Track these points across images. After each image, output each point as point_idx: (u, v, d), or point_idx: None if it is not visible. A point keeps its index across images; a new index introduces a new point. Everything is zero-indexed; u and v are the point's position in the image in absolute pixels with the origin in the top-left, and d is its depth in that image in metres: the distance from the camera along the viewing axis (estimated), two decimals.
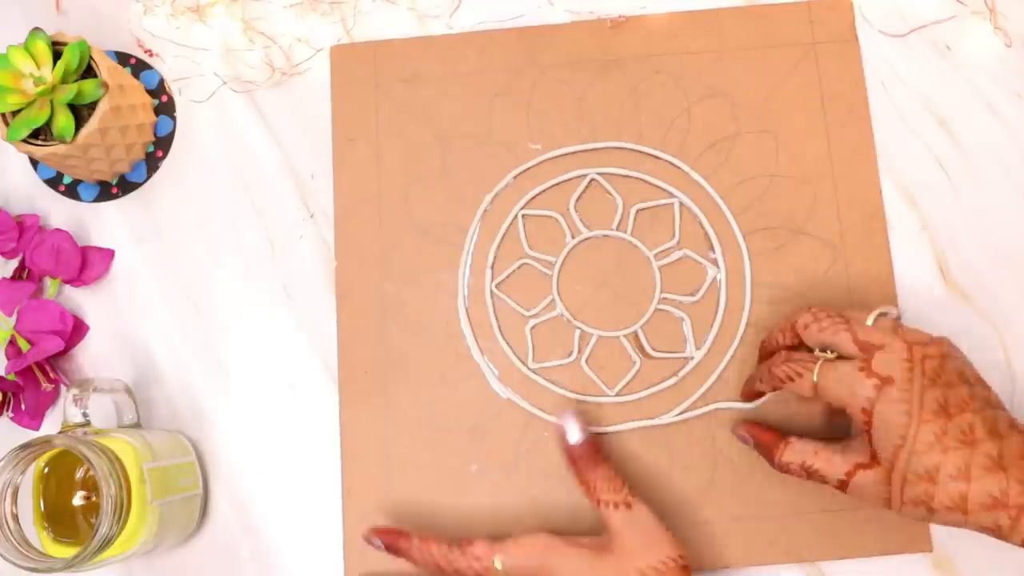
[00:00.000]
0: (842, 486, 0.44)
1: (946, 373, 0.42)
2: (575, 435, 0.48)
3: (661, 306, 0.53)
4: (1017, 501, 0.39)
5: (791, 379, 0.45)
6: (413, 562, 0.47)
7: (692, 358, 0.52)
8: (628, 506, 0.46)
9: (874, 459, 0.43)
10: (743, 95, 0.55)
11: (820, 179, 0.54)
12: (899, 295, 0.53)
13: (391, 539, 0.48)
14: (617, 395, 0.52)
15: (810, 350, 0.46)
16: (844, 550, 0.50)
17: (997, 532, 0.41)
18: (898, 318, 0.46)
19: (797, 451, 0.46)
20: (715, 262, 0.53)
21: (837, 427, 0.51)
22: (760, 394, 0.49)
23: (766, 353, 0.50)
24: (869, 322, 0.44)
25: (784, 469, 0.46)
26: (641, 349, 0.53)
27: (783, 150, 0.54)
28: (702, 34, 0.56)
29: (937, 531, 0.50)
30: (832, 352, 0.44)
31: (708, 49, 0.56)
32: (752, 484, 0.51)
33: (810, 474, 0.45)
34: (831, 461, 0.44)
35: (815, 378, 0.44)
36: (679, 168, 0.54)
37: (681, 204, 0.54)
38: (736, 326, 0.53)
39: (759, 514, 0.50)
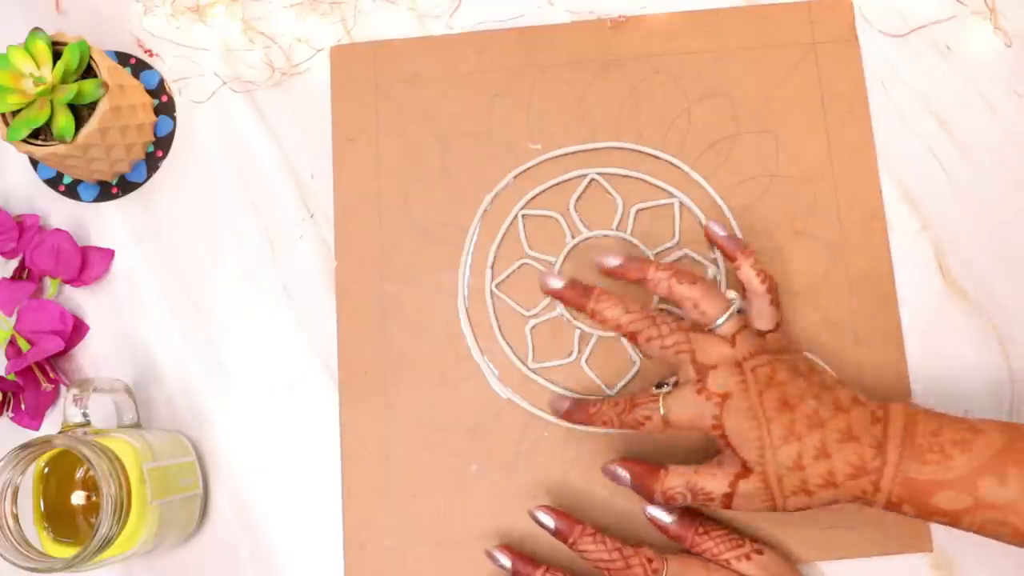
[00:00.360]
0: (727, 499, 0.45)
1: (777, 374, 0.44)
2: (667, 517, 0.48)
3: (661, 306, 0.53)
4: (873, 465, 0.42)
5: (641, 424, 0.46)
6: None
7: None
8: (760, 552, 0.47)
9: (745, 467, 0.44)
10: (743, 95, 0.55)
11: (820, 179, 0.54)
12: (899, 295, 0.53)
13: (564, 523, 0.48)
14: (617, 395, 0.52)
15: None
16: (844, 550, 0.50)
17: (865, 498, 0.43)
18: (739, 308, 0.47)
19: (680, 474, 0.46)
20: (715, 262, 0.53)
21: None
22: (590, 423, 0.49)
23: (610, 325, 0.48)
24: (720, 321, 0.46)
25: (669, 497, 0.46)
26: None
27: (783, 150, 0.54)
28: (702, 34, 0.56)
29: (937, 531, 0.50)
30: (671, 379, 0.47)
31: (708, 49, 0.56)
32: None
33: (695, 495, 0.45)
34: (714, 476, 0.45)
35: (662, 412, 0.46)
36: (679, 168, 0.54)
37: (681, 204, 0.54)
38: None
39: (758, 516, 0.50)
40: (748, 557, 0.47)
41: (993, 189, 0.54)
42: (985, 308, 0.53)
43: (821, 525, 0.50)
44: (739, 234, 0.53)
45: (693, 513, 0.48)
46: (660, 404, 0.46)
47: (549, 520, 0.48)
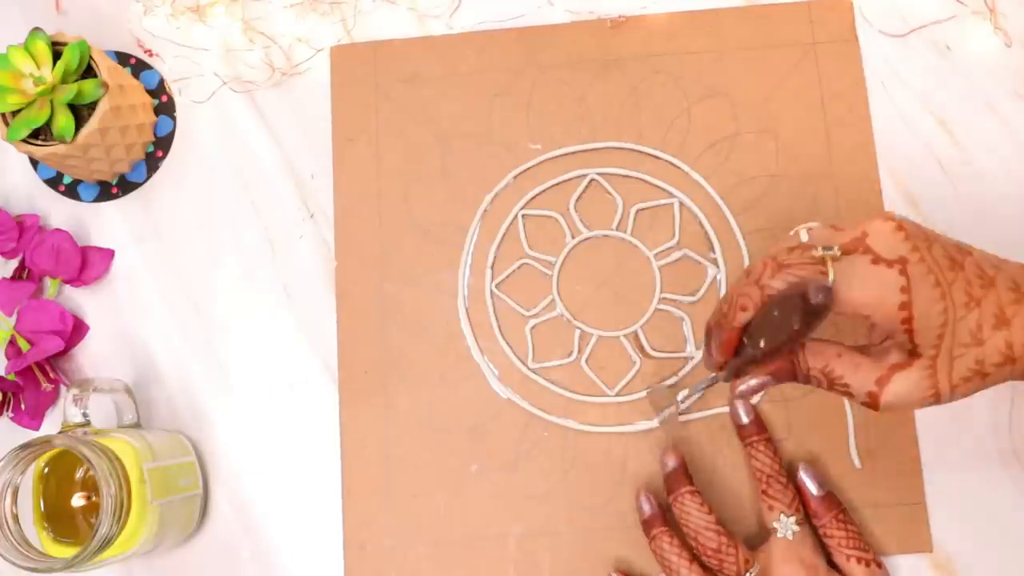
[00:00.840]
0: (872, 399, 0.38)
1: (924, 228, 0.38)
2: (816, 489, 0.48)
3: (661, 306, 0.53)
4: None
5: (800, 284, 0.36)
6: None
7: (692, 358, 0.52)
8: (879, 565, 0.47)
9: (913, 353, 0.37)
10: (743, 95, 0.55)
11: (820, 179, 0.54)
12: None
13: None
14: (617, 395, 0.52)
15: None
16: None
17: None
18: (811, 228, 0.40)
19: (820, 353, 0.39)
20: (715, 262, 0.53)
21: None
22: (738, 334, 0.39)
23: (721, 340, 0.40)
24: (804, 237, 0.38)
25: (807, 378, 0.39)
26: (641, 349, 0.53)
27: (783, 150, 0.54)
28: (702, 34, 0.56)
29: (937, 531, 0.50)
30: (833, 247, 0.37)
31: (708, 49, 0.56)
32: (752, 485, 0.51)
33: (832, 383, 0.39)
34: (860, 366, 0.38)
35: (831, 279, 0.36)
36: (679, 168, 0.54)
37: (681, 204, 0.54)
38: None
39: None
40: (867, 564, 0.47)
41: (993, 189, 0.54)
42: None
43: None
44: (740, 234, 0.53)
45: (837, 500, 0.48)
46: (830, 270, 0.36)
47: (673, 462, 0.48)
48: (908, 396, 0.37)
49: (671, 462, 0.49)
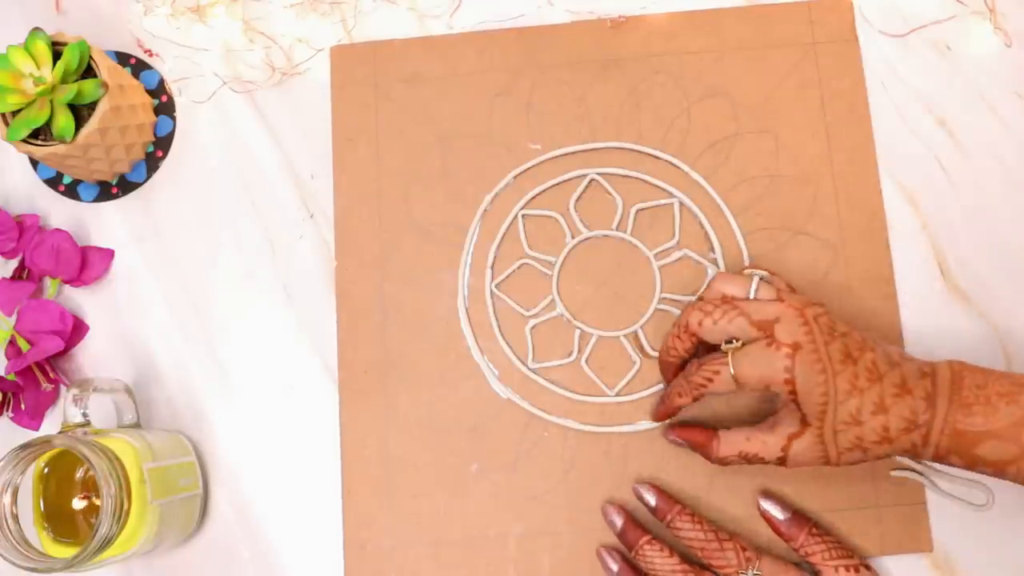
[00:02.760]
0: (781, 461, 0.46)
1: (836, 325, 0.45)
2: (780, 514, 0.49)
3: (661, 306, 0.53)
4: (924, 418, 0.43)
5: (710, 380, 0.46)
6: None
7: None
8: (868, 567, 0.48)
9: (804, 424, 0.44)
10: (743, 95, 0.55)
11: (820, 179, 0.54)
12: (899, 295, 0.53)
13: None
14: (617, 395, 0.52)
15: (710, 348, 0.47)
16: None
17: (914, 452, 0.44)
18: (763, 278, 0.48)
19: (731, 443, 0.47)
20: (715, 262, 0.53)
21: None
22: (677, 409, 0.49)
23: (669, 367, 0.49)
24: (752, 293, 0.46)
25: (723, 463, 0.47)
26: (641, 349, 0.53)
27: (783, 150, 0.54)
28: (702, 34, 0.56)
29: (937, 530, 0.50)
30: (736, 341, 0.46)
31: (708, 49, 0.56)
32: (752, 484, 0.51)
33: (749, 460, 0.46)
34: (766, 442, 0.46)
35: (731, 370, 0.45)
36: (679, 168, 0.54)
37: (681, 204, 0.54)
38: None
39: (758, 514, 0.50)
40: (856, 570, 0.47)
41: (993, 189, 0.54)
42: (985, 308, 0.53)
43: (821, 525, 0.50)
44: (740, 234, 0.53)
45: (806, 517, 0.49)
46: (729, 361, 0.45)
47: (651, 497, 0.49)
48: (805, 457, 0.45)
49: (617, 520, 0.49)
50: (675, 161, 0.55)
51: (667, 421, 0.51)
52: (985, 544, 0.50)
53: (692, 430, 0.49)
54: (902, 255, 0.53)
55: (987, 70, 0.55)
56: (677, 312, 0.53)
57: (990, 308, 0.53)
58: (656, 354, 0.52)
